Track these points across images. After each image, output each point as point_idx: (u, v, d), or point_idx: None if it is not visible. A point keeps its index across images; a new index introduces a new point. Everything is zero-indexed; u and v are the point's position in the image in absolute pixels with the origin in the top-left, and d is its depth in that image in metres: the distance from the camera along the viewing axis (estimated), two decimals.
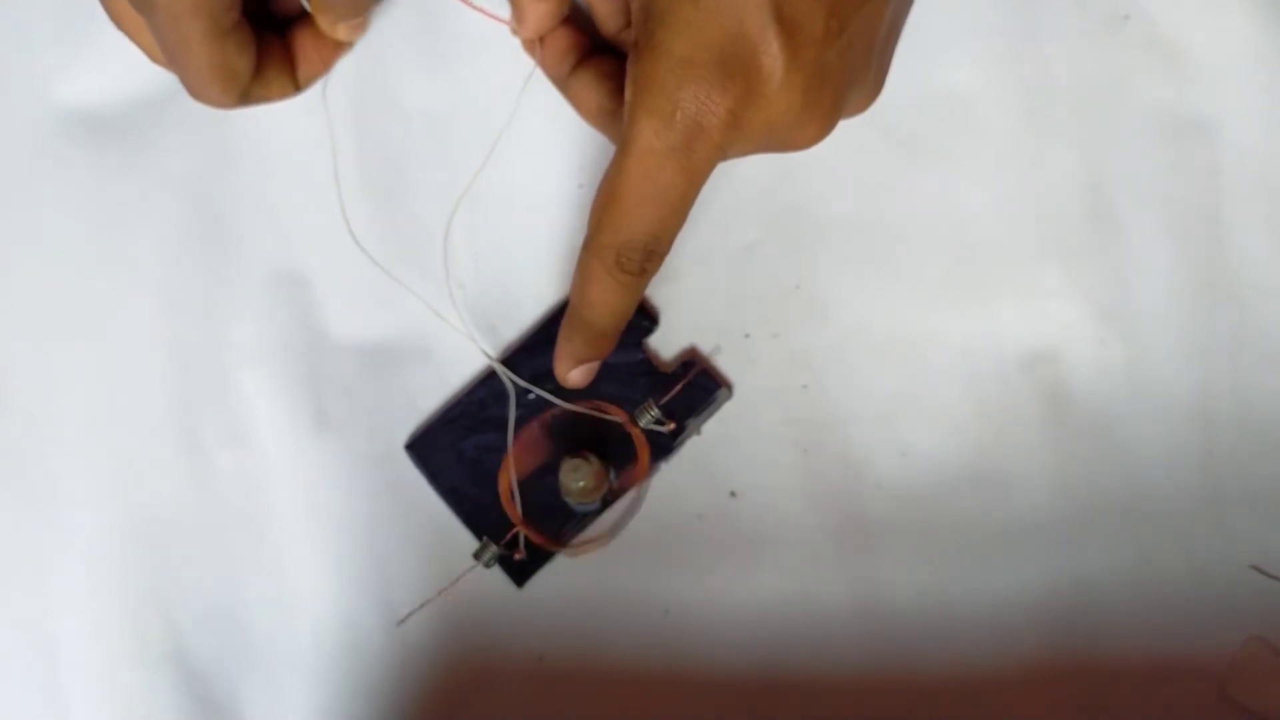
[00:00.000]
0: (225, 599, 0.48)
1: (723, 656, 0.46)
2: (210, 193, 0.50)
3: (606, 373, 0.47)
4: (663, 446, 0.47)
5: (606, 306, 0.43)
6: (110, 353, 0.49)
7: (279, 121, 0.50)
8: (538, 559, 0.47)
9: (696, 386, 0.47)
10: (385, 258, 0.48)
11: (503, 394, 0.47)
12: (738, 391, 0.48)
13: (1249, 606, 0.46)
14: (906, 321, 0.48)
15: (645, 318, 0.48)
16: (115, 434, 0.49)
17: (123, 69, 0.49)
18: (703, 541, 0.47)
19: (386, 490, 0.48)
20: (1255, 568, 0.46)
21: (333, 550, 0.48)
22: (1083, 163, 0.49)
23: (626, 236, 0.40)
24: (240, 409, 0.49)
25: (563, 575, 0.47)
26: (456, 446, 0.48)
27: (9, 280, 0.50)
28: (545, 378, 0.47)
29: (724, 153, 0.40)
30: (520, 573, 0.47)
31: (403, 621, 0.47)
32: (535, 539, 0.46)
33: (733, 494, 0.48)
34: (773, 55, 0.36)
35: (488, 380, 0.48)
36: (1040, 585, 0.46)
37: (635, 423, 0.47)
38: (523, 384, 0.47)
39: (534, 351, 0.48)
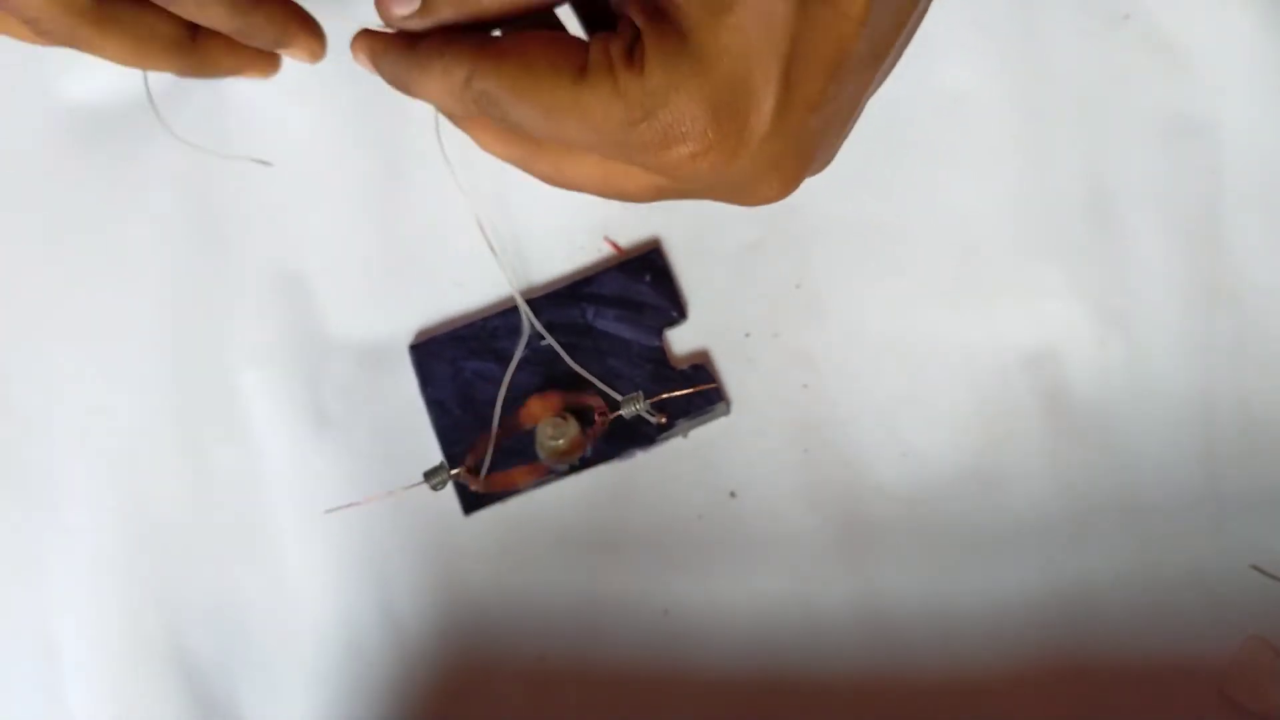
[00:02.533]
0: (225, 599, 0.48)
1: (722, 657, 0.46)
2: (210, 193, 0.50)
3: (620, 349, 0.48)
4: (646, 435, 0.47)
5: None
6: (110, 353, 0.49)
7: (279, 120, 0.50)
8: (492, 494, 0.47)
9: (698, 392, 0.47)
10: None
11: (515, 330, 0.47)
12: (738, 391, 0.48)
13: (1249, 606, 0.46)
14: (906, 321, 0.48)
15: (675, 307, 0.48)
16: (115, 434, 0.49)
17: (124, 69, 0.49)
18: (703, 541, 0.47)
19: (385, 489, 0.48)
20: (1255, 568, 0.46)
21: (333, 550, 0.48)
22: (1083, 163, 0.49)
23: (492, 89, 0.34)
24: (240, 409, 0.49)
25: (563, 575, 0.47)
26: (457, 363, 0.48)
27: (9, 280, 0.50)
28: (560, 330, 0.48)
29: (662, 190, 0.35)
30: (471, 502, 0.47)
31: (330, 511, 0.47)
32: (475, 486, 0.46)
33: (733, 494, 0.48)
34: (763, 115, 0.33)
35: (506, 313, 0.48)
36: (1040, 585, 0.46)
37: (610, 412, 0.46)
38: (539, 326, 0.47)
39: (558, 301, 0.48)
